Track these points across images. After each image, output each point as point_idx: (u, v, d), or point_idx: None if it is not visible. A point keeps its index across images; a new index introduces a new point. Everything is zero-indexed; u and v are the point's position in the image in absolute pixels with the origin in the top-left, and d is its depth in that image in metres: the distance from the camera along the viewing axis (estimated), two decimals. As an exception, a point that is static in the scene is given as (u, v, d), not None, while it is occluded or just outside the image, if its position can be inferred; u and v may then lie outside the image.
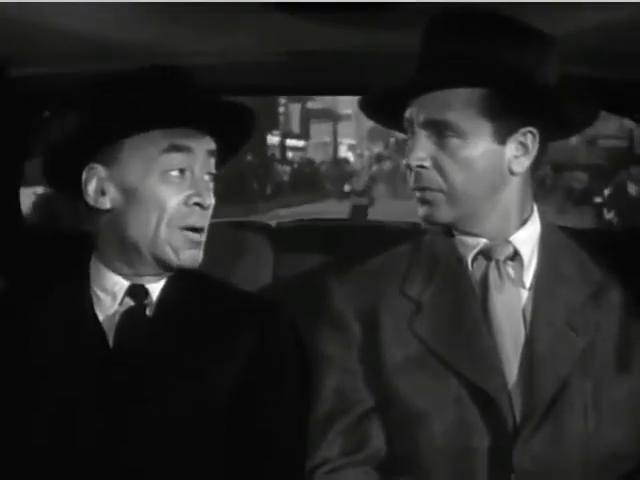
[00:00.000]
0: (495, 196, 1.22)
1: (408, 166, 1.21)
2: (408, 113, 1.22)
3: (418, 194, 1.23)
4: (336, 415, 1.23)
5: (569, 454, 1.14)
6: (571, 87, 1.20)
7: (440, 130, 1.19)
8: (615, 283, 1.23)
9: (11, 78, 1.61)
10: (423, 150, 1.20)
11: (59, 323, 1.26)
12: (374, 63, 1.58)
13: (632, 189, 12.11)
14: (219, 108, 1.27)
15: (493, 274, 1.22)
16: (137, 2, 1.25)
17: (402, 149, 1.32)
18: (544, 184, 16.90)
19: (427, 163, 1.20)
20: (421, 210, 1.23)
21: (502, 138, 1.19)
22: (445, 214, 1.22)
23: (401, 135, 1.32)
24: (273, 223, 1.93)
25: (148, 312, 1.27)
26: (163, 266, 1.25)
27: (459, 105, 1.17)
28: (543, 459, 1.14)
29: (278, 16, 1.30)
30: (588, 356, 1.17)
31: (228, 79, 1.69)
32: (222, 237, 1.31)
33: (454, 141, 1.18)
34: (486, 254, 1.23)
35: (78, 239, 1.48)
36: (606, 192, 12.81)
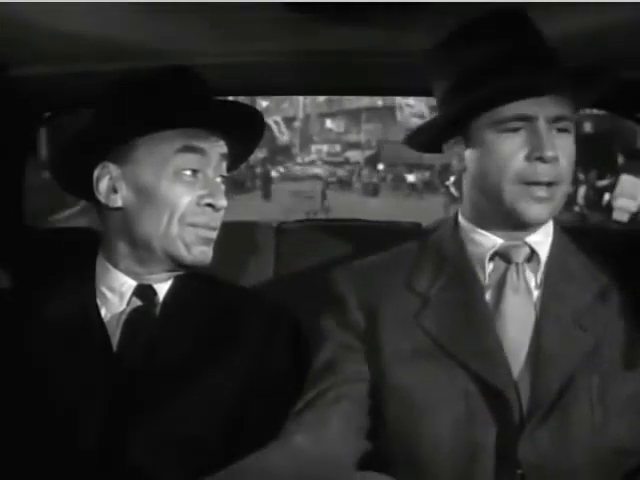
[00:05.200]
0: None
1: (540, 158, 1.17)
2: (523, 110, 1.18)
3: (540, 192, 1.19)
4: (324, 376, 1.23)
5: (575, 449, 1.14)
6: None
7: (557, 124, 1.19)
8: (622, 282, 1.23)
9: (12, 78, 1.61)
10: (552, 143, 1.18)
11: (62, 321, 1.26)
12: (387, 63, 1.58)
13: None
14: (234, 109, 1.28)
15: (511, 276, 1.22)
16: (139, 2, 1.25)
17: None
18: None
19: (558, 155, 1.18)
20: (535, 209, 1.19)
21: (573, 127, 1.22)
22: (553, 210, 1.21)
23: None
24: (275, 223, 1.93)
25: (155, 312, 1.27)
26: (175, 262, 1.26)
27: (568, 99, 1.19)
28: (549, 453, 1.14)
29: (290, 16, 1.30)
30: (595, 353, 1.18)
31: (231, 79, 1.68)
32: (223, 236, 1.31)
33: (567, 134, 1.20)
34: (503, 255, 1.24)
35: (82, 237, 1.48)
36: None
